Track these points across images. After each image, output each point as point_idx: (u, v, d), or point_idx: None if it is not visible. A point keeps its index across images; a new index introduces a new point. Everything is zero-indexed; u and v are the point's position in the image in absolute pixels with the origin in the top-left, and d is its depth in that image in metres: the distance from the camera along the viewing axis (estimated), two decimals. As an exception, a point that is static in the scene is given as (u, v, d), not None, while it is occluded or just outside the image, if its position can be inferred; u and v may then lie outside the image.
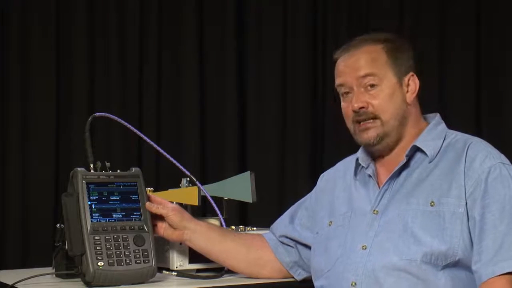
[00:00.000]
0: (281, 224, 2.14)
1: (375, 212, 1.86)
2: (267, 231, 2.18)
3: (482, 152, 1.82)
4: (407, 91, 1.90)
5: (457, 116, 3.69)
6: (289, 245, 2.10)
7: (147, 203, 2.04)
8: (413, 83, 1.92)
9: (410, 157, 1.88)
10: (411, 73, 1.92)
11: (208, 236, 2.08)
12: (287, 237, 2.10)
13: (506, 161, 1.84)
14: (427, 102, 3.66)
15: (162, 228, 2.07)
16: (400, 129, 1.89)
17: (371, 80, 1.87)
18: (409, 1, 3.83)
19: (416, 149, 1.88)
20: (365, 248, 1.83)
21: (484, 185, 1.77)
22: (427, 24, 3.80)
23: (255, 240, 2.14)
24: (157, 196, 2.11)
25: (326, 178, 2.10)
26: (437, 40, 3.79)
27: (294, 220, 2.11)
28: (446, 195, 1.80)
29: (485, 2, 3.77)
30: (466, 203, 1.78)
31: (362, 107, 1.87)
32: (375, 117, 1.87)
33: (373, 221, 1.85)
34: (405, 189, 1.85)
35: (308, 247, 2.05)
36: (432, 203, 1.80)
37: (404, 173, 1.87)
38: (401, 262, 1.77)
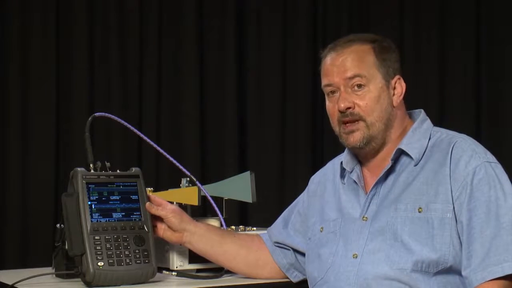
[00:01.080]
0: (276, 229, 2.12)
1: (364, 218, 1.85)
2: (266, 232, 2.18)
3: (466, 152, 1.79)
4: (394, 94, 1.87)
5: (457, 116, 3.69)
6: (285, 248, 2.10)
7: (147, 204, 2.03)
8: (399, 86, 1.88)
9: (395, 160, 1.85)
10: (397, 76, 1.88)
11: (207, 238, 2.08)
12: (282, 243, 2.10)
13: (492, 159, 1.80)
14: (427, 102, 3.68)
15: (162, 230, 2.07)
16: (385, 132, 1.86)
17: (358, 81, 1.84)
18: (409, 1, 3.83)
19: (401, 152, 1.85)
20: (356, 257, 1.81)
21: (470, 188, 1.75)
22: (427, 24, 3.80)
23: (254, 241, 2.14)
24: (157, 197, 2.10)
25: (316, 181, 2.07)
26: (437, 40, 3.79)
27: (288, 225, 2.10)
28: (434, 200, 1.78)
29: (485, 2, 3.77)
30: (454, 208, 1.76)
31: (349, 108, 1.84)
32: (360, 119, 1.84)
33: (362, 228, 1.83)
34: (392, 194, 1.83)
35: (303, 252, 2.05)
36: (420, 209, 1.78)
37: (391, 178, 1.85)
38: (392, 271, 1.76)
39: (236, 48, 3.67)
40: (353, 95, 1.85)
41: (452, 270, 1.76)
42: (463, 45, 3.77)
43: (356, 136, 1.85)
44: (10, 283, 1.97)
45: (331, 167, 2.04)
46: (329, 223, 1.93)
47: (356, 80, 1.84)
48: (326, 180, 2.02)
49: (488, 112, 3.75)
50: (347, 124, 1.86)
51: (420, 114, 1.93)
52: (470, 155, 1.79)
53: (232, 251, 2.09)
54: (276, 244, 2.10)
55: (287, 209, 2.14)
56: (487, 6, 3.76)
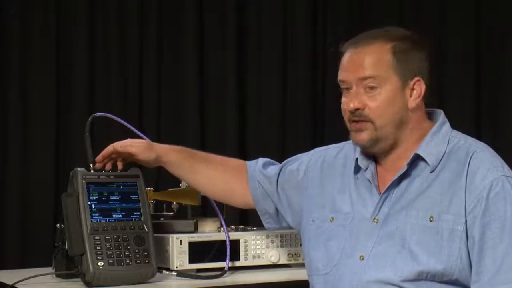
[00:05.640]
0: (271, 168, 2.19)
1: (375, 220, 1.82)
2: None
3: (484, 165, 1.76)
4: (411, 96, 1.82)
5: (457, 116, 3.68)
6: (267, 194, 2.11)
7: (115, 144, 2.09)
8: (418, 88, 1.83)
9: (410, 164, 1.82)
10: (417, 78, 1.82)
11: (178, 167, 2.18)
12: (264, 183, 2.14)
13: (510, 173, 1.77)
14: (427, 102, 3.66)
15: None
16: (396, 134, 1.82)
17: (371, 82, 1.80)
18: (409, 1, 3.84)
19: (417, 157, 1.82)
20: (363, 259, 1.80)
21: (485, 202, 1.72)
22: (427, 24, 3.80)
23: (235, 170, 2.20)
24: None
25: (324, 159, 2.05)
26: (437, 40, 3.78)
27: (278, 178, 2.13)
28: (446, 211, 1.75)
29: (485, 2, 3.77)
30: (466, 221, 1.73)
31: (358, 109, 1.81)
32: (369, 121, 1.81)
33: (372, 230, 1.81)
34: (405, 199, 1.80)
35: (290, 206, 2.06)
36: (432, 219, 1.76)
37: (404, 182, 1.82)
38: (396, 278, 1.75)
39: (237, 47, 3.67)
40: (364, 96, 1.81)
41: (457, 283, 1.74)
42: (463, 45, 3.77)
43: (363, 136, 1.82)
44: (10, 283, 1.98)
45: (342, 159, 1.99)
46: (340, 215, 1.89)
47: (368, 81, 1.80)
48: (337, 164, 1.99)
49: (488, 113, 3.74)
50: (354, 122, 1.83)
51: (440, 117, 1.89)
52: (487, 168, 1.75)
53: (209, 179, 2.17)
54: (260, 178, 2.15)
55: (287, 160, 2.19)
56: (487, 6, 3.76)
